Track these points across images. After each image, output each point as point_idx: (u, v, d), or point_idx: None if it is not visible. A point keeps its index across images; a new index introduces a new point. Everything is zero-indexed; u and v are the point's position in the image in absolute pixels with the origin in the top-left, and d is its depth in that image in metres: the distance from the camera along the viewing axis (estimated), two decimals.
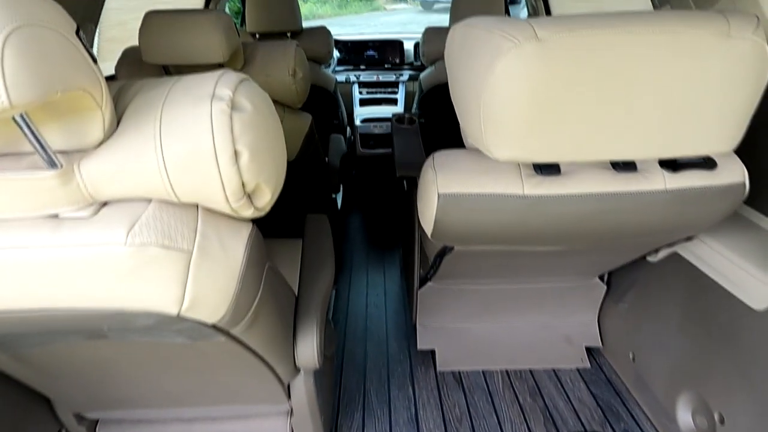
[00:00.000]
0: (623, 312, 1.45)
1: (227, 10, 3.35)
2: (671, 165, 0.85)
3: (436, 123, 2.43)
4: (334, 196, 2.01)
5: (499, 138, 0.75)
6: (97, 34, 1.48)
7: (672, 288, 1.24)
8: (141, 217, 0.54)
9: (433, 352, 1.55)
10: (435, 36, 2.22)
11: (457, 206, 0.88)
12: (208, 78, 0.56)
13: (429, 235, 0.98)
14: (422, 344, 1.54)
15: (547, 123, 0.72)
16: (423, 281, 1.44)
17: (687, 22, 0.67)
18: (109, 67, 1.35)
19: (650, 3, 1.41)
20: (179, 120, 0.52)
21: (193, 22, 1.12)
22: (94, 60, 0.49)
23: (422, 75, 2.36)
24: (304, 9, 11.54)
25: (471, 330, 1.57)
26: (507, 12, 2.77)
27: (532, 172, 0.85)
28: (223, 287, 0.61)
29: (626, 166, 0.85)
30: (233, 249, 0.62)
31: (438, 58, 2.28)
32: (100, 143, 0.53)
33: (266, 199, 0.62)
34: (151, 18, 1.14)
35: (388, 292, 1.92)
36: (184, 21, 1.13)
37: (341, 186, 2.21)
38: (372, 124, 2.52)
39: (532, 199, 0.85)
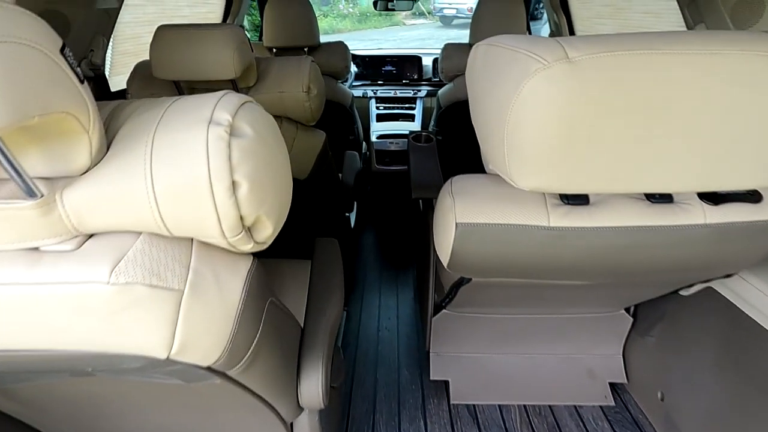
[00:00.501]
0: (650, 346, 1.36)
1: (246, 23, 3.37)
2: (712, 197, 0.77)
3: (454, 141, 2.37)
4: (347, 214, 1.96)
5: (524, 166, 0.69)
6: (110, 47, 1.46)
7: (705, 324, 1.15)
8: (128, 252, 0.48)
9: (446, 383, 1.47)
10: (454, 52, 2.18)
11: (476, 237, 0.82)
12: (207, 100, 0.51)
13: (445, 266, 0.92)
14: (435, 374, 1.47)
15: (578, 151, 0.65)
16: (437, 308, 1.37)
17: (734, 42, 0.61)
18: (122, 81, 1.32)
19: (682, 21, 1.34)
20: (172, 146, 0.47)
21: (204, 37, 1.09)
22: (81, 80, 0.45)
23: (441, 92, 2.31)
24: (324, 23, 11.68)
25: (487, 360, 1.49)
26: (528, 28, 2.71)
27: (559, 201, 0.78)
28: (218, 329, 0.55)
29: (662, 197, 0.78)
30: (230, 287, 0.57)
31: (457, 75, 2.23)
32: (87, 170, 0.48)
33: (268, 232, 0.57)
34: (163, 32, 1.11)
35: (401, 315, 1.85)
36: (196, 36, 1.10)
37: (355, 204, 2.16)
38: (388, 141, 2.47)
39: (559, 231, 0.78)
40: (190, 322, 0.52)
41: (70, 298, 0.47)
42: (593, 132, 0.64)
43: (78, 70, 0.44)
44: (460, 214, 0.81)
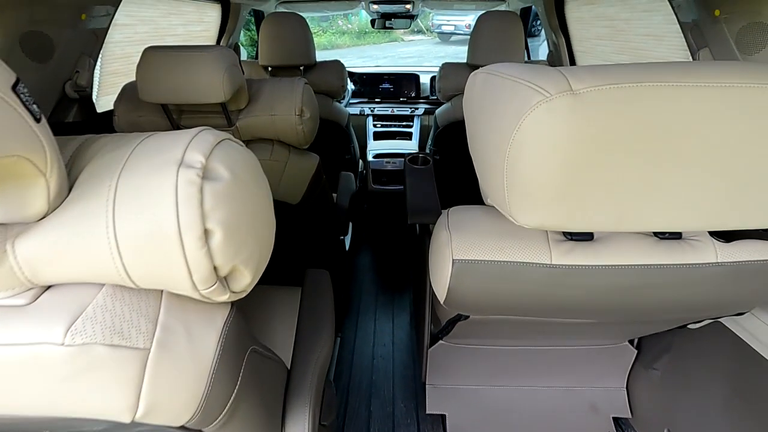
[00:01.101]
0: (655, 380, 1.31)
1: (244, 38, 3.35)
2: (724, 234, 0.73)
3: (452, 161, 2.33)
4: (342, 237, 1.91)
5: (525, 203, 0.64)
6: (98, 67, 1.43)
7: (713, 359, 1.10)
8: (87, 308, 0.44)
9: (443, 417, 1.41)
10: (452, 72, 2.15)
11: (475, 274, 0.77)
12: (180, 138, 0.46)
13: (441, 302, 0.87)
14: (431, 407, 1.40)
15: (583, 188, 0.61)
16: (434, 339, 1.32)
17: (749, 74, 0.57)
18: (110, 101, 1.28)
19: (685, 45, 1.31)
20: (137, 191, 0.42)
21: (193, 59, 1.05)
22: (38, 118, 0.40)
23: (438, 111, 2.28)
24: (324, 39, 11.76)
25: (486, 393, 1.43)
26: (526, 45, 2.67)
27: (562, 237, 0.74)
28: (190, 387, 0.50)
29: (671, 234, 0.73)
30: (204, 341, 0.51)
31: (454, 95, 2.21)
32: (45, 215, 0.43)
33: (245, 281, 0.52)
34: (150, 54, 1.07)
35: (397, 342, 1.79)
36: (184, 58, 1.06)
37: (350, 225, 2.11)
38: (385, 160, 2.43)
39: (561, 269, 0.74)
40: (157, 382, 0.46)
41: (21, 360, 0.42)
42: (599, 168, 0.59)
43: (34, 107, 0.40)
44: (457, 250, 0.77)
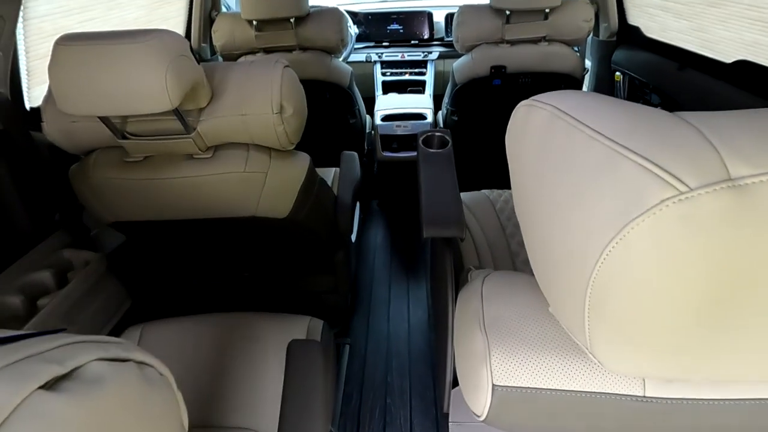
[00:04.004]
0: None
1: None
2: None
3: (472, 123, 1.99)
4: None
5: (621, 349, 0.39)
6: (23, 52, 1.11)
7: None
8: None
9: None
10: (472, 17, 1.76)
11: (527, 405, 0.52)
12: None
13: (481, 419, 0.62)
14: None
15: (729, 335, 0.35)
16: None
17: None
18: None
19: None
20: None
21: (119, 55, 0.75)
22: None
23: (456, 65, 1.91)
24: None
25: None
26: None
27: None
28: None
29: None
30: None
31: (475, 45, 1.83)
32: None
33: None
34: (62, 50, 0.77)
35: (413, 350, 1.57)
36: (108, 53, 0.75)
37: (355, 224, 1.83)
38: (395, 124, 2.09)
39: (659, 404, 0.48)
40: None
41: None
42: (754, 305, 0.32)
43: None
44: (500, 373, 0.52)
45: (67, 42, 0.77)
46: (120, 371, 0.29)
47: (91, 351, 0.28)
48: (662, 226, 0.30)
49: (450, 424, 1.20)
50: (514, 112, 0.50)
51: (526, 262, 1.23)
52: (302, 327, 1.02)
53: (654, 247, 0.31)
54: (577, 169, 0.37)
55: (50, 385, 0.25)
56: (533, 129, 0.45)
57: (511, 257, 1.24)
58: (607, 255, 0.33)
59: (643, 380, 0.49)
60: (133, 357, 0.31)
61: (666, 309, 0.33)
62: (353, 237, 1.70)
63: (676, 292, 0.32)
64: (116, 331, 1.07)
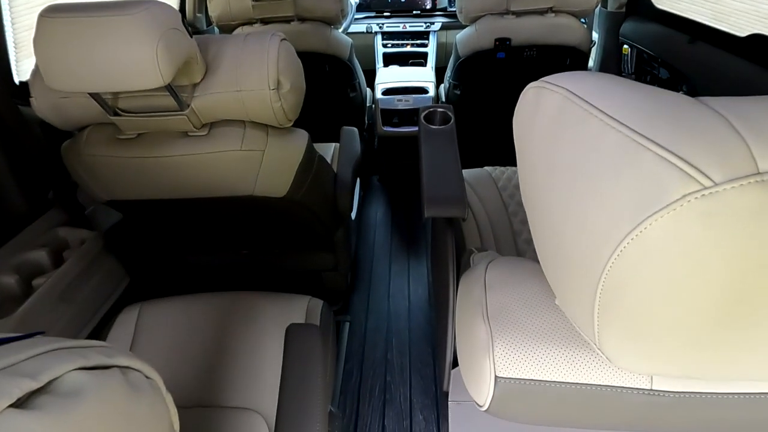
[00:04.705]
0: None
1: None
2: None
3: (475, 97, 1.95)
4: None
5: (631, 345, 0.37)
6: (9, 23, 1.07)
7: None
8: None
9: None
10: None
11: (530, 397, 0.51)
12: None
13: (483, 409, 0.61)
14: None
15: (747, 332, 0.33)
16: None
17: None
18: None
19: None
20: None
21: (107, 27, 0.71)
22: None
23: (459, 37, 1.85)
24: None
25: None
26: None
27: None
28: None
29: None
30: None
31: (479, 16, 1.77)
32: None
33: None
34: (47, 23, 0.73)
35: (414, 327, 1.57)
36: (95, 25, 0.72)
37: (355, 201, 1.80)
38: (396, 98, 2.05)
39: (666, 397, 0.47)
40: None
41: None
42: None
43: None
44: (502, 363, 0.50)
45: (52, 14, 0.73)
46: (102, 380, 0.27)
47: (69, 360, 0.26)
48: (683, 223, 0.28)
49: (449, 402, 1.21)
50: (522, 93, 0.47)
51: (529, 241, 1.21)
52: (301, 307, 1.01)
53: (673, 245, 0.29)
54: (591, 159, 0.35)
55: (22, 402, 0.23)
56: (544, 113, 0.42)
57: (514, 236, 1.22)
58: (621, 251, 0.31)
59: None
60: (116, 363, 0.29)
61: (683, 308, 0.31)
62: (353, 214, 1.68)
63: (695, 291, 0.30)
64: (114, 310, 1.05)
